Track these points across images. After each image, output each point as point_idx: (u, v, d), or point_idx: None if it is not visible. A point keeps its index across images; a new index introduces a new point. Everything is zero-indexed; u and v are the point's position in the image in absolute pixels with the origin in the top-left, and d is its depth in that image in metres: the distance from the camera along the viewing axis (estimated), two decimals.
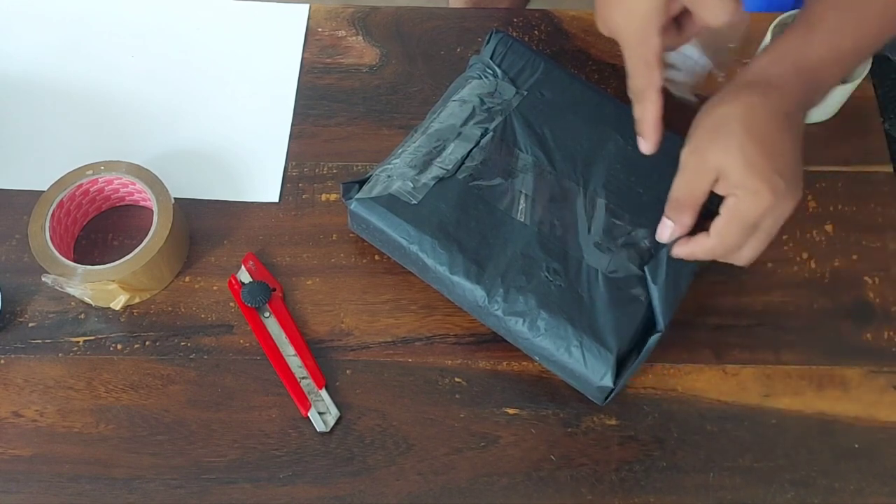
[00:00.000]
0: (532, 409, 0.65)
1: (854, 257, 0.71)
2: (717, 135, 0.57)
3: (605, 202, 0.66)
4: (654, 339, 0.62)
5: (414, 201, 0.66)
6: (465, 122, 0.69)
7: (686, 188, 0.59)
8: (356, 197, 0.67)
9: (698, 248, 0.60)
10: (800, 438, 0.64)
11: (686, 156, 0.59)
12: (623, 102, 0.73)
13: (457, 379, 0.66)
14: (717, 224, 0.58)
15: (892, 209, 0.73)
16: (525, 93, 0.71)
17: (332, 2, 0.88)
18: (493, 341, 0.67)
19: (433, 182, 0.66)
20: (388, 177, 0.67)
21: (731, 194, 0.57)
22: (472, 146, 0.68)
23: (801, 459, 0.64)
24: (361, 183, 0.69)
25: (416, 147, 0.69)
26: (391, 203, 0.66)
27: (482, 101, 0.70)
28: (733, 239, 0.58)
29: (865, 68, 0.74)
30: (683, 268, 0.64)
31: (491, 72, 0.71)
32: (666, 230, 0.61)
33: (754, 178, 0.55)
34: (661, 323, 0.62)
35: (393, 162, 0.68)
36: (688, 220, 0.60)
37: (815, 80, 0.59)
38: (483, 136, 0.69)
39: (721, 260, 0.61)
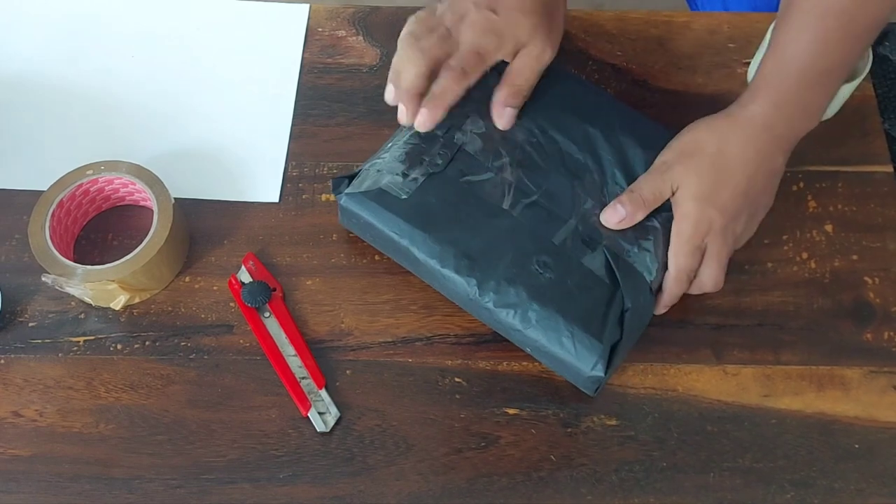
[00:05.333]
0: (532, 409, 0.65)
1: (854, 257, 0.71)
2: (690, 156, 0.64)
3: (595, 200, 0.66)
4: (628, 316, 0.62)
5: (404, 195, 0.66)
6: (455, 117, 0.69)
7: (649, 189, 0.64)
8: (346, 191, 0.67)
9: (667, 285, 0.65)
10: (800, 439, 0.64)
11: (660, 161, 0.65)
12: (619, 101, 0.73)
13: (457, 379, 0.66)
14: (670, 248, 0.64)
15: (892, 209, 0.73)
16: None
17: (332, 2, 0.88)
18: (493, 341, 0.67)
19: (423, 177, 0.66)
20: (378, 171, 0.67)
21: (677, 213, 0.63)
22: (464, 139, 0.68)
23: (801, 460, 0.64)
24: (351, 178, 0.69)
25: (405, 141, 0.68)
26: (381, 197, 0.66)
27: (471, 96, 0.70)
28: (683, 259, 0.63)
29: (866, 68, 0.74)
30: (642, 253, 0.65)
31: None
32: (616, 216, 0.64)
33: (696, 208, 0.62)
34: (626, 302, 0.63)
35: (382, 156, 0.68)
36: (640, 216, 0.64)
37: (796, 105, 0.63)
38: (473, 130, 0.69)
39: (694, 292, 0.66)
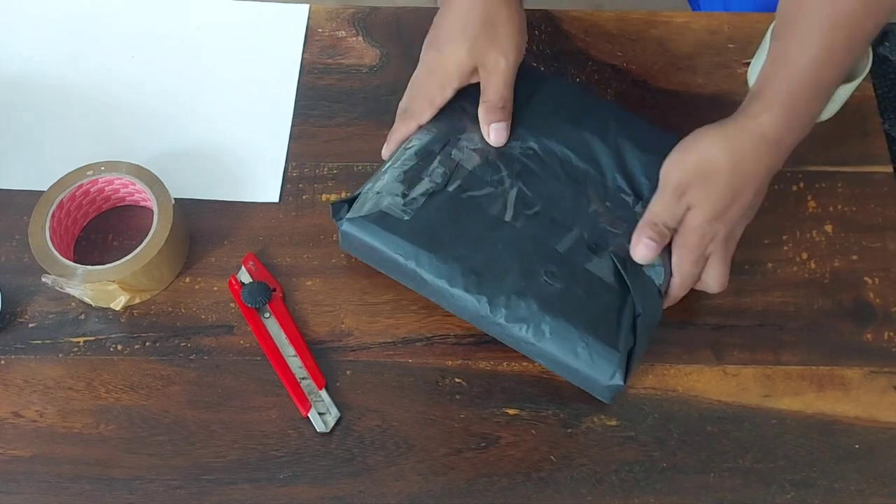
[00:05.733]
0: (532, 409, 0.65)
1: (854, 257, 0.71)
2: (706, 177, 0.62)
3: (597, 205, 0.66)
4: (640, 321, 0.62)
5: (406, 217, 0.65)
6: (453, 132, 0.69)
7: (669, 215, 0.64)
8: (346, 217, 0.66)
9: (672, 291, 0.65)
10: (800, 439, 0.64)
11: (674, 181, 0.63)
12: (613, 103, 0.73)
13: (457, 379, 0.66)
14: (674, 257, 0.64)
15: (892, 209, 0.73)
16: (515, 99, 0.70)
17: (332, 2, 0.88)
18: (494, 342, 0.67)
19: (423, 197, 0.66)
20: (378, 193, 0.66)
21: (684, 226, 0.63)
22: (461, 156, 0.68)
23: (802, 460, 0.64)
24: (351, 202, 0.68)
25: (404, 160, 0.68)
26: (383, 220, 0.65)
27: (465, 110, 0.70)
28: (688, 268, 0.64)
29: (866, 68, 0.74)
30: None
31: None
32: (649, 251, 0.63)
33: (705, 224, 0.63)
34: (638, 307, 0.63)
35: (382, 178, 0.68)
36: (666, 242, 0.64)
37: (802, 117, 0.63)
38: (469, 146, 0.68)
39: (699, 288, 0.66)
